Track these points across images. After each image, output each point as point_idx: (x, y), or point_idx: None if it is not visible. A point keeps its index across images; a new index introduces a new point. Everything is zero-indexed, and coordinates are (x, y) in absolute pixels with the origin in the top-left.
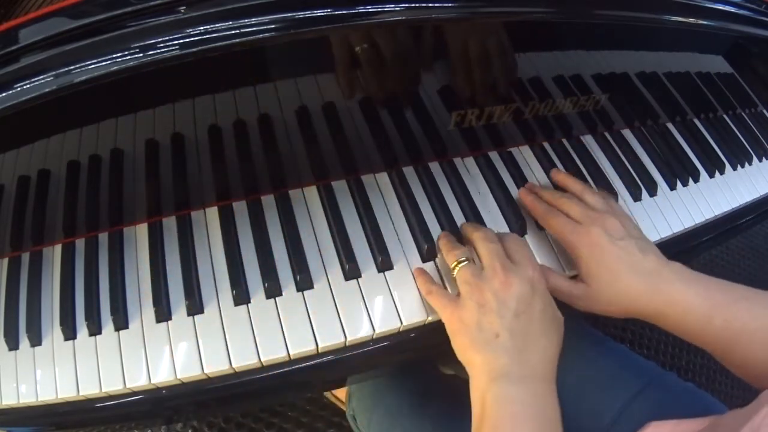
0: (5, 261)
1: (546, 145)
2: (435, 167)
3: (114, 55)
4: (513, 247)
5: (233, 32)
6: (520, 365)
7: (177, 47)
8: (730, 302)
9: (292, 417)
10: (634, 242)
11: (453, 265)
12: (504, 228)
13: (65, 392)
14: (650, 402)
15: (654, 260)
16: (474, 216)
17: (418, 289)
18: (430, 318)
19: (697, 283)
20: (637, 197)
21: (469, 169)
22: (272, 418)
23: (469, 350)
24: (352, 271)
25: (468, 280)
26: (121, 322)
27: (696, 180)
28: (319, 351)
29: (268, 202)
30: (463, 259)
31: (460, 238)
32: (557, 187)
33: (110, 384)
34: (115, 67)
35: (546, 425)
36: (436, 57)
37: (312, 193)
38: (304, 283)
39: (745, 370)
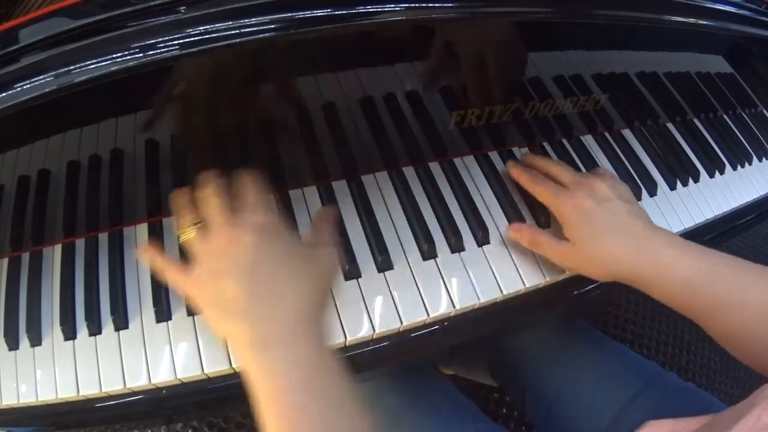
0: (5, 261)
1: (546, 145)
2: (435, 167)
3: (114, 55)
4: (242, 191)
5: (233, 32)
6: (267, 328)
7: (177, 47)
8: (715, 269)
9: None
10: (621, 204)
11: (180, 233)
12: (506, 228)
13: (65, 392)
14: (650, 402)
15: (640, 224)
16: (474, 216)
17: None
18: (430, 317)
19: (683, 248)
20: (637, 197)
21: (469, 169)
22: None
23: (218, 321)
24: (351, 271)
25: (199, 248)
26: (121, 322)
27: (696, 180)
28: None
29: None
30: (195, 222)
31: None
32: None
33: (110, 384)
34: (115, 67)
35: (317, 380)
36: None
37: (312, 193)
38: None
39: (729, 340)
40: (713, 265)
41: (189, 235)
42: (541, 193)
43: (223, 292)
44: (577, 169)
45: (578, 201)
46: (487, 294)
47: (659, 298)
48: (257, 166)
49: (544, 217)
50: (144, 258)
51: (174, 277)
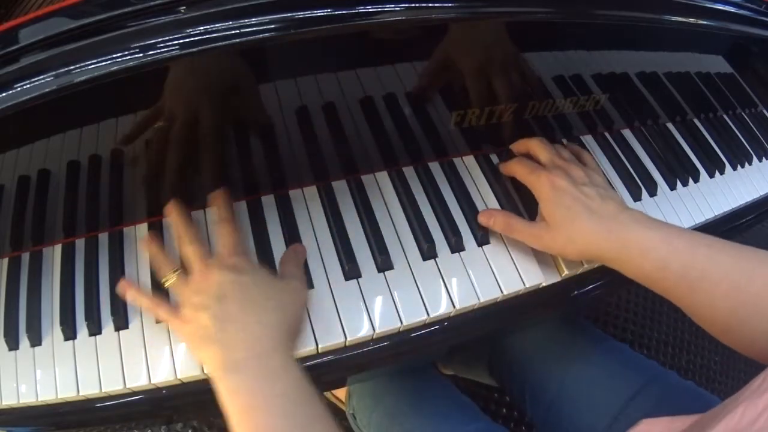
0: (5, 261)
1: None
2: (435, 167)
3: (114, 55)
4: (217, 236)
5: (233, 32)
6: (237, 351)
7: (177, 47)
8: (688, 248)
9: None
10: (595, 189)
11: (163, 281)
12: None
13: (65, 392)
14: (650, 401)
15: (613, 205)
16: (474, 216)
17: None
18: (430, 317)
19: (656, 228)
20: (637, 197)
21: (469, 169)
22: None
23: (196, 351)
24: (352, 271)
25: (180, 290)
26: (121, 322)
27: (696, 180)
28: (319, 351)
29: (269, 202)
30: (174, 270)
31: None
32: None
33: (110, 384)
34: (115, 67)
35: (283, 398)
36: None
37: (312, 193)
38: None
39: (709, 322)
40: (687, 244)
41: (171, 280)
42: (518, 170)
43: (199, 323)
44: None
45: (554, 179)
46: (487, 294)
47: (633, 276)
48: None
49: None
50: (136, 303)
51: (165, 316)
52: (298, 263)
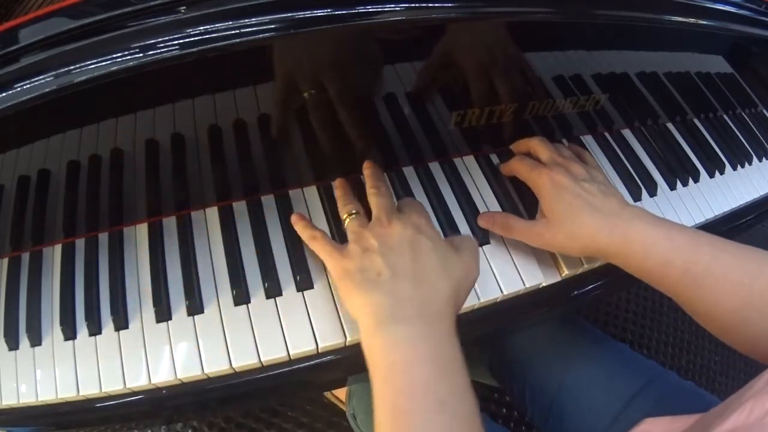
0: (5, 261)
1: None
2: (435, 167)
3: (114, 55)
4: (405, 202)
5: (233, 32)
6: (407, 304)
7: (177, 47)
8: (691, 245)
9: (292, 417)
10: (596, 186)
11: (344, 218)
12: None
13: (65, 392)
14: (650, 401)
15: (615, 202)
16: (474, 216)
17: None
18: None
19: (659, 224)
20: (637, 197)
21: (469, 169)
22: (272, 418)
23: (353, 294)
24: None
25: (354, 230)
26: (121, 322)
27: (696, 180)
28: (319, 351)
29: (268, 202)
30: (354, 212)
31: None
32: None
33: (110, 384)
34: (115, 67)
35: (443, 365)
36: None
37: (312, 193)
38: (304, 283)
39: (710, 321)
40: (690, 241)
41: (351, 218)
42: (519, 168)
43: (369, 266)
44: None
45: (555, 176)
46: (487, 294)
47: (636, 273)
48: (258, 167)
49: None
50: (297, 226)
51: (323, 245)
52: (475, 246)
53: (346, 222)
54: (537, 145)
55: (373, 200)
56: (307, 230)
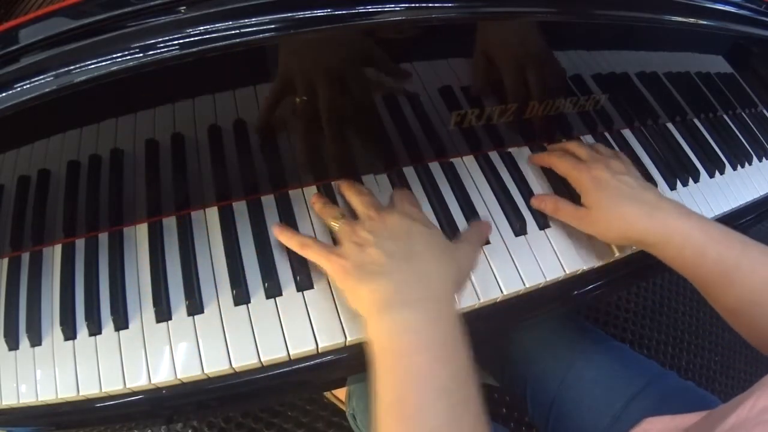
0: (5, 261)
1: (546, 145)
2: (435, 167)
3: (114, 55)
4: (396, 192)
5: (233, 32)
6: (409, 289)
7: (177, 47)
8: (725, 239)
9: (292, 417)
10: (634, 179)
11: (332, 224)
12: (506, 228)
13: (65, 392)
14: (650, 401)
15: (652, 194)
16: (474, 216)
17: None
18: None
19: (694, 217)
20: None
21: (469, 169)
22: (272, 418)
23: (356, 288)
24: None
25: (346, 230)
26: (121, 322)
27: (696, 180)
28: (319, 351)
29: (268, 202)
30: (340, 215)
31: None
32: None
33: (110, 384)
34: (115, 67)
35: (447, 350)
36: (435, 56)
37: (312, 193)
38: (303, 283)
39: (731, 310)
40: (723, 235)
41: (339, 223)
42: (561, 164)
43: (367, 259)
44: None
45: (595, 172)
46: (487, 294)
47: (671, 263)
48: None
49: (542, 219)
50: (282, 238)
51: (317, 250)
52: (477, 236)
53: (336, 227)
54: (574, 146)
55: (357, 200)
56: (294, 239)
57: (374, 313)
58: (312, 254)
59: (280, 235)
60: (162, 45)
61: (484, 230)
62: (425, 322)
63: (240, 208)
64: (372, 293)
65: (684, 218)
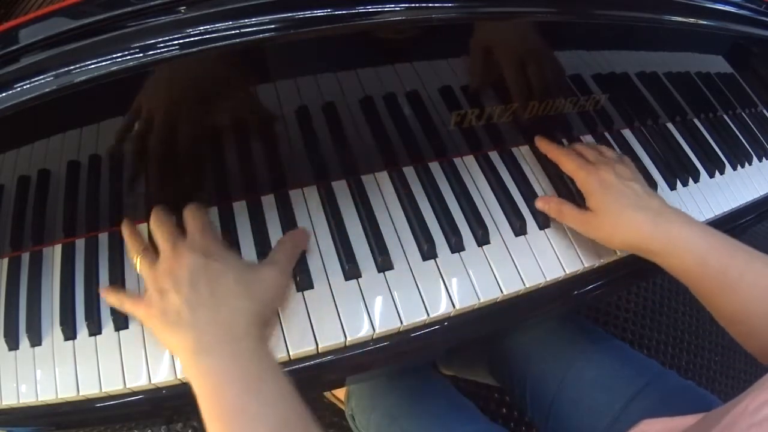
0: (5, 261)
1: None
2: (435, 167)
3: (114, 55)
4: (186, 219)
5: (233, 32)
6: (209, 334)
7: (177, 47)
8: (727, 248)
9: None
10: (640, 186)
11: (135, 260)
12: (506, 228)
13: (65, 392)
14: (650, 400)
15: (658, 202)
16: (474, 216)
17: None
18: (430, 318)
19: (698, 226)
20: None
21: (469, 169)
22: None
23: (164, 334)
24: (351, 271)
25: (147, 273)
26: (121, 322)
27: (696, 180)
28: (319, 351)
29: (269, 202)
30: (142, 250)
31: None
32: None
33: (110, 384)
34: (115, 67)
35: (252, 383)
36: (435, 56)
37: (312, 193)
38: (303, 283)
39: (736, 324)
40: (726, 245)
41: (137, 262)
42: (568, 164)
43: (168, 307)
44: None
45: (602, 175)
46: (487, 294)
47: (673, 270)
48: (258, 167)
49: (543, 218)
50: (108, 295)
51: (129, 307)
52: (288, 252)
53: (138, 265)
54: (582, 148)
55: (156, 233)
56: (110, 297)
57: (183, 358)
58: (126, 308)
59: (104, 296)
60: (162, 45)
61: (298, 240)
62: (226, 362)
63: (240, 208)
64: (178, 342)
65: (687, 227)
